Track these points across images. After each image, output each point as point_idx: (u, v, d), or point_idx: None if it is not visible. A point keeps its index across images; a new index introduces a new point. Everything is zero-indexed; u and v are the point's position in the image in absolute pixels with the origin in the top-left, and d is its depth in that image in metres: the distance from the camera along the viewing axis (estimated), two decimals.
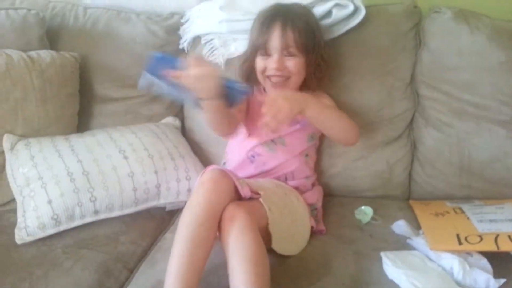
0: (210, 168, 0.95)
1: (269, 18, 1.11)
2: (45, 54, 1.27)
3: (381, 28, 1.27)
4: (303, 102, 1.02)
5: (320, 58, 1.15)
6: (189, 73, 0.93)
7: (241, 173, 1.15)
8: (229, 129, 1.14)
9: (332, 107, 1.17)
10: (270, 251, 0.94)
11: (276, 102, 0.96)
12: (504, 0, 1.34)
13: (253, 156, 1.16)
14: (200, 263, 0.84)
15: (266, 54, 1.11)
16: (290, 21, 1.09)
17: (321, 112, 1.06)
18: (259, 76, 1.15)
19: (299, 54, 1.11)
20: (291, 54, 1.10)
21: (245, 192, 0.93)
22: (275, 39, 1.09)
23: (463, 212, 1.07)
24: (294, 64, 1.11)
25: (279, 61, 1.09)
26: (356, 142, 1.17)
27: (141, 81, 0.99)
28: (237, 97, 1.00)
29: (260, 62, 1.13)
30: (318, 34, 1.15)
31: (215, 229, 0.87)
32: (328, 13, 1.21)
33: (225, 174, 0.92)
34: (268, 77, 1.13)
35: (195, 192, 0.91)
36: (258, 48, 1.12)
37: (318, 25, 1.17)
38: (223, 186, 0.90)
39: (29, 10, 1.33)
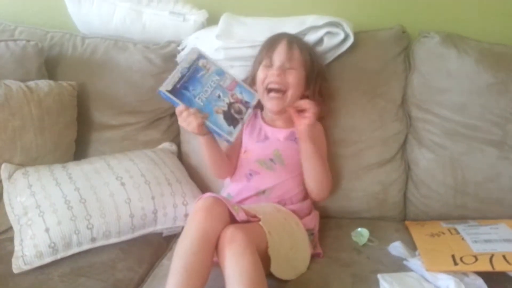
0: (204, 196, 0.97)
1: (276, 36, 1.21)
2: (43, 84, 1.29)
3: (371, 53, 1.31)
4: (312, 133, 1.12)
5: (322, 79, 1.22)
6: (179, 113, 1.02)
7: (240, 195, 1.17)
8: (220, 169, 1.19)
9: (322, 157, 1.20)
10: (269, 274, 0.94)
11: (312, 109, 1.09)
12: (490, 23, 1.39)
13: (251, 175, 1.17)
14: None
15: (269, 65, 1.17)
16: (295, 39, 1.20)
17: (315, 151, 1.13)
18: (259, 88, 1.19)
19: (300, 68, 1.17)
20: (292, 67, 1.16)
21: (240, 216, 0.93)
22: (280, 51, 1.16)
23: (458, 232, 1.08)
24: (293, 76, 1.16)
25: (280, 69, 1.15)
26: (325, 197, 1.21)
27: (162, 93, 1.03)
28: (222, 140, 1.07)
29: (261, 73, 1.18)
30: (319, 61, 1.25)
31: (210, 256, 0.87)
32: (320, 41, 1.25)
33: (218, 201, 0.93)
34: (267, 89, 1.16)
35: (188, 222, 0.92)
36: (262, 59, 1.19)
37: (318, 55, 1.25)
38: (216, 213, 0.91)
39: (28, 41, 1.36)
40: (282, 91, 1.15)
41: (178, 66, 1.07)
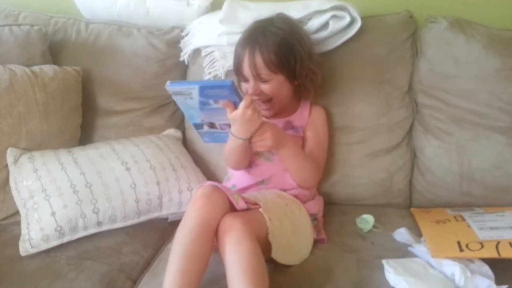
0: (204, 184, 0.97)
1: (241, 44, 1.13)
2: (48, 69, 1.29)
3: (378, 39, 1.29)
4: (284, 142, 1.08)
5: (307, 69, 1.14)
6: (245, 111, 0.95)
7: (241, 183, 1.17)
8: (241, 165, 1.16)
9: (304, 155, 1.15)
10: (272, 260, 0.94)
11: (264, 134, 1.02)
12: (499, 8, 1.37)
13: (250, 166, 1.17)
14: (195, 278, 0.85)
15: (244, 80, 1.13)
16: (258, 45, 1.08)
17: (292, 156, 1.11)
18: None
19: (274, 75, 1.10)
20: (263, 80, 1.11)
21: (240, 205, 0.94)
22: (245, 67, 1.10)
23: (464, 220, 1.08)
24: (269, 87, 1.11)
25: (254, 87, 1.11)
26: (311, 187, 1.19)
27: (171, 85, 0.97)
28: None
29: (243, 86, 1.15)
30: (300, 48, 1.11)
31: (209, 243, 0.88)
32: (325, 25, 1.23)
33: (217, 189, 0.93)
34: None
35: (188, 209, 0.92)
36: (237, 73, 1.15)
37: (302, 38, 1.13)
38: (215, 201, 0.91)
39: (32, 26, 1.35)
40: (267, 100, 1.13)
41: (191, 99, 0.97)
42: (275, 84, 1.11)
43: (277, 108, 1.16)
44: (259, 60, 1.08)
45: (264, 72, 1.09)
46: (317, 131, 1.20)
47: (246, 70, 1.10)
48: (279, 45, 1.09)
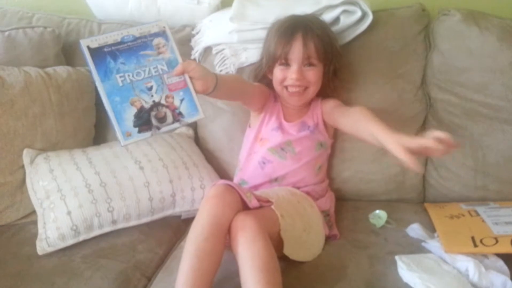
0: (217, 183, 0.97)
1: (290, 29, 1.12)
2: (62, 70, 1.31)
3: (390, 32, 1.27)
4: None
5: (336, 67, 1.17)
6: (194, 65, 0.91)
7: (253, 181, 1.17)
8: (244, 99, 1.18)
9: None
10: (285, 257, 0.95)
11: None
12: None
13: (264, 163, 1.17)
14: (208, 276, 0.85)
15: (286, 64, 1.13)
16: (310, 31, 1.11)
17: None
18: (277, 86, 1.17)
19: (319, 63, 1.13)
20: (311, 64, 1.12)
21: (253, 203, 0.94)
22: (297, 50, 1.10)
23: (478, 214, 1.07)
24: (313, 74, 1.12)
25: (299, 72, 1.11)
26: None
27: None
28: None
29: (278, 73, 1.14)
30: (335, 44, 1.17)
31: (222, 242, 0.88)
32: (336, 20, 1.23)
33: (230, 188, 0.93)
34: (286, 87, 1.14)
35: (200, 208, 0.93)
36: (277, 58, 1.13)
37: (334, 35, 1.19)
38: (228, 200, 0.91)
39: (45, 28, 1.37)
40: (303, 87, 1.14)
41: (125, 29, 0.88)
42: (317, 72, 1.13)
43: (308, 99, 1.17)
44: (311, 45, 1.10)
45: (313, 55, 1.11)
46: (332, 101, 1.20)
47: (297, 53, 1.10)
48: (325, 37, 1.13)
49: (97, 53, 0.84)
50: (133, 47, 0.87)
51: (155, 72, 0.88)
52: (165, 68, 0.89)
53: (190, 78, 0.91)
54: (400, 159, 0.80)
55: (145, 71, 0.87)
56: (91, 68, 0.84)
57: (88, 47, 0.83)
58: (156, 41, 0.89)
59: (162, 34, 0.89)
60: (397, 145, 0.81)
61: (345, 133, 1.24)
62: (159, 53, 0.89)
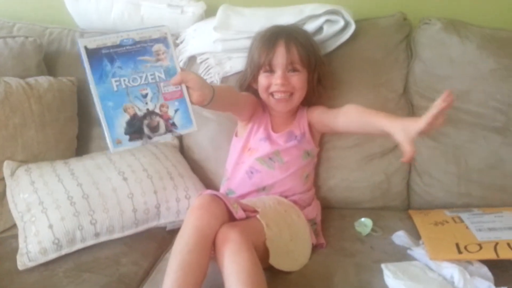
0: (203, 193, 0.96)
1: (273, 36, 1.13)
2: (43, 80, 1.29)
3: (372, 41, 1.29)
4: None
5: (320, 74, 1.18)
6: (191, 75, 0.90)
7: (241, 190, 1.17)
8: (235, 110, 1.19)
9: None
10: (272, 268, 0.94)
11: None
12: (492, 8, 1.37)
13: (252, 172, 1.17)
14: None
15: (270, 71, 1.13)
16: (293, 38, 1.13)
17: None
18: (262, 94, 1.17)
19: (303, 69, 1.14)
20: (295, 70, 1.13)
21: (239, 215, 0.93)
22: (281, 56, 1.11)
23: (462, 221, 1.08)
24: (297, 79, 1.13)
25: (283, 77, 1.12)
26: None
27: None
28: None
29: (263, 80, 1.15)
30: (318, 52, 1.19)
31: (207, 254, 0.87)
32: (319, 30, 1.24)
33: (216, 198, 0.93)
34: (272, 93, 1.15)
35: (185, 220, 0.91)
36: (261, 66, 1.14)
37: (317, 44, 1.20)
38: (213, 210, 0.90)
39: (27, 37, 1.36)
40: (288, 92, 1.14)
41: (125, 32, 0.86)
42: (302, 78, 1.14)
43: (294, 105, 1.18)
44: (294, 50, 1.12)
45: (296, 60, 1.12)
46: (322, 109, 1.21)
47: (280, 58, 1.11)
48: (309, 43, 1.16)
49: (94, 54, 0.82)
50: (132, 51, 0.85)
51: (152, 79, 0.86)
52: (163, 76, 0.87)
53: (187, 88, 0.90)
54: (403, 148, 0.84)
55: (141, 77, 0.85)
56: (87, 70, 0.82)
57: (86, 48, 0.82)
58: (156, 47, 0.87)
59: (163, 40, 0.88)
60: (403, 135, 0.84)
61: (336, 135, 1.27)
62: (158, 60, 0.87)
